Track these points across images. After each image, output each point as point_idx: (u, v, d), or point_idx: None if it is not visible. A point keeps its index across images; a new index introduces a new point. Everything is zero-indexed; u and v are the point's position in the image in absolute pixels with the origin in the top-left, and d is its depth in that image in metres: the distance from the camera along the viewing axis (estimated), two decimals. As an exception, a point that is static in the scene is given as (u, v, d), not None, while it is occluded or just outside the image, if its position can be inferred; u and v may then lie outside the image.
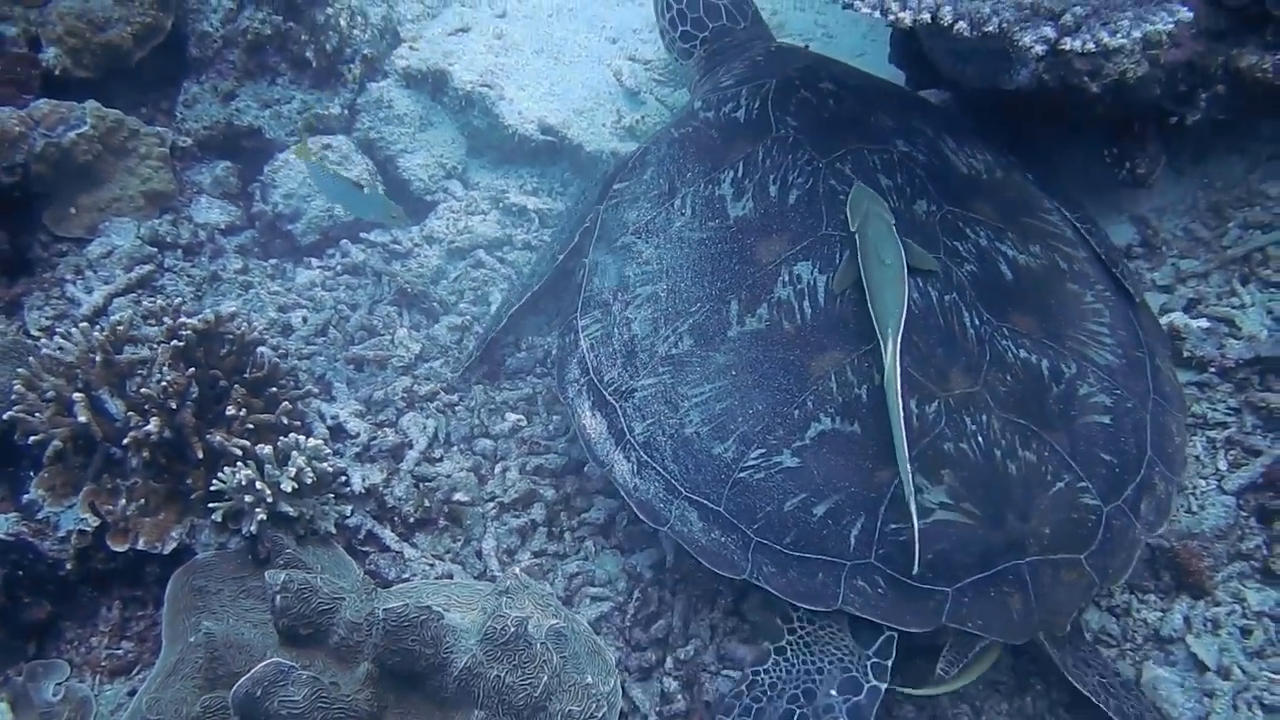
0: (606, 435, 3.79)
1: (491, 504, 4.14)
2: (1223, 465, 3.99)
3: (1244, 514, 3.87)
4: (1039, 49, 3.01)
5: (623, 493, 3.71)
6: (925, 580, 3.27)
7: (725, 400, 3.59)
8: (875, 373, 3.44)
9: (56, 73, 4.94)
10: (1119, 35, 3.00)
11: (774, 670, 3.47)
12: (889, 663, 3.36)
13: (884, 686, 3.34)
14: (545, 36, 5.87)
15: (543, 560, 4.00)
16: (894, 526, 3.30)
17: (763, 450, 3.48)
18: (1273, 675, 3.58)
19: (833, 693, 3.35)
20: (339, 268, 5.04)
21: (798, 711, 3.35)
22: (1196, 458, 4.03)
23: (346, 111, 5.45)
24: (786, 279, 3.71)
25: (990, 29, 3.07)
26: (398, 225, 4.94)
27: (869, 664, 3.37)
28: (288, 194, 5.09)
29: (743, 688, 3.48)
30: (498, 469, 4.25)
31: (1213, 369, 4.15)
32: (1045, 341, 3.62)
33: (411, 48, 5.64)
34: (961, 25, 3.08)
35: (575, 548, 4.06)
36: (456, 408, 4.44)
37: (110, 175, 4.93)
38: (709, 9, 4.87)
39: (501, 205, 5.38)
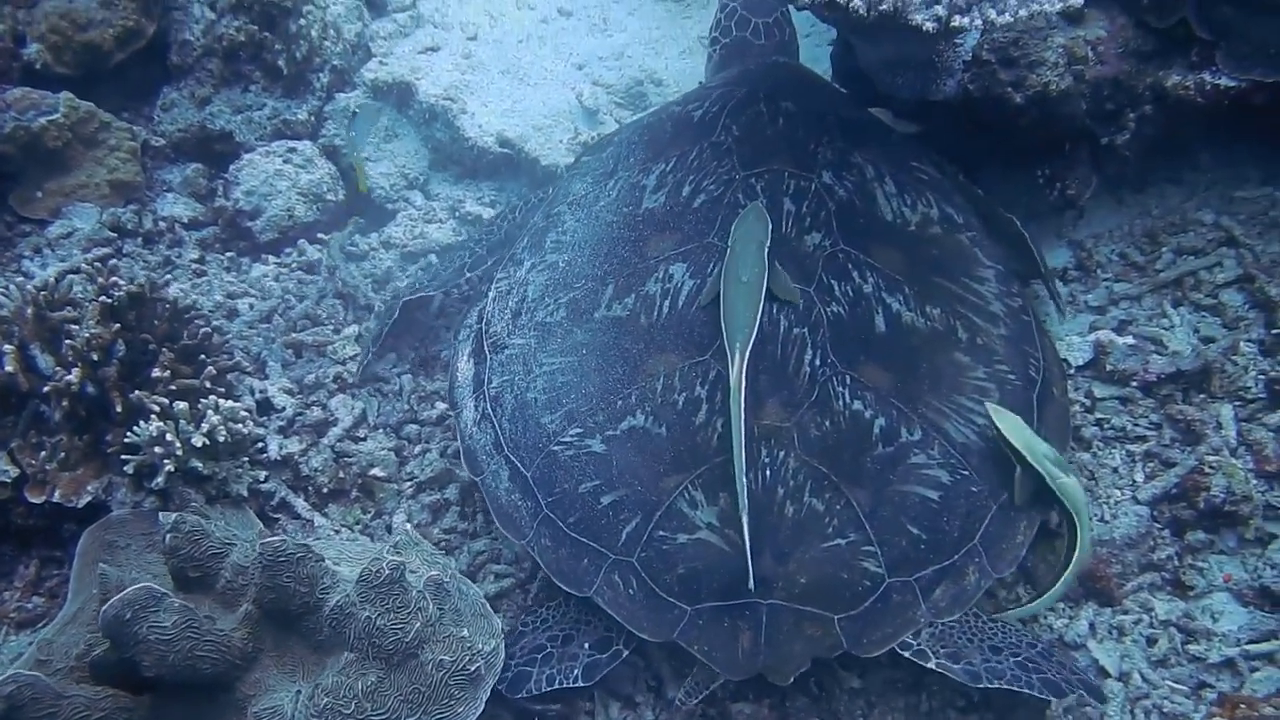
0: (470, 381, 3.94)
1: (409, 483, 4.18)
2: (1139, 477, 3.98)
3: (1158, 525, 3.85)
4: (930, 26, 3.10)
5: (459, 437, 3.86)
6: (671, 593, 3.31)
7: (569, 375, 3.68)
8: (698, 384, 3.52)
9: (37, 67, 5.14)
10: (1005, 14, 3.09)
11: (559, 609, 3.61)
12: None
13: (626, 652, 3.44)
14: (513, 59, 6.03)
15: (452, 537, 4.04)
16: (662, 534, 3.36)
17: (580, 430, 3.57)
18: (1174, 684, 3.55)
19: (586, 645, 3.48)
20: (295, 265, 5.13)
21: (549, 648, 3.49)
22: (1114, 470, 4.02)
23: (313, 119, 5.60)
24: (660, 275, 3.79)
25: (885, 8, 3.16)
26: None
27: (628, 631, 3.40)
28: (249, 191, 5.20)
29: (524, 613, 3.70)
30: (418, 450, 4.30)
31: (1135, 383, 4.14)
32: (892, 401, 3.53)
33: (381, 62, 5.81)
34: (857, 4, 3.17)
35: (486, 528, 4.07)
36: (387, 391, 4.50)
37: (79, 163, 5.10)
38: (741, 21, 5.03)
39: (458, 214, 5.50)
